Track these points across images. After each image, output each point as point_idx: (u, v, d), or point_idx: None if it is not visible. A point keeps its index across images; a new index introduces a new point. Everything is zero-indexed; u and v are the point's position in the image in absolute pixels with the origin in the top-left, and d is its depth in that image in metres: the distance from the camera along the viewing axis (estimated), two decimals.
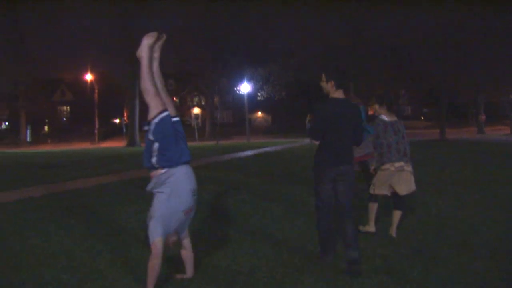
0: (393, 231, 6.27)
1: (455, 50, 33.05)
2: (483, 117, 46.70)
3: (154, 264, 4.25)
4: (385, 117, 6.43)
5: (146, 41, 4.62)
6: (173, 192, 4.38)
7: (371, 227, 6.44)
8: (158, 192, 4.40)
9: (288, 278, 4.68)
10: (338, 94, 5.17)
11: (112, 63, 44.65)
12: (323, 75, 5.25)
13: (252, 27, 46.48)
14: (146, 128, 4.46)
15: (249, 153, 24.07)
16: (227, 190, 10.51)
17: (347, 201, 5.09)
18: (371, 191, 6.50)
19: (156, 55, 4.75)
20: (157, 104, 4.44)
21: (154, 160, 4.39)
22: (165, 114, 4.44)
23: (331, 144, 5.08)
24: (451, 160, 16.70)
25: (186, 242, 4.75)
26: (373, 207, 6.51)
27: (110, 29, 41.00)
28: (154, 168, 4.43)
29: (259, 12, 45.91)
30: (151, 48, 4.63)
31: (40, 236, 6.72)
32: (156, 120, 4.40)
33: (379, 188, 6.38)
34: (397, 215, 6.34)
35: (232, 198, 9.50)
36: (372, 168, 6.79)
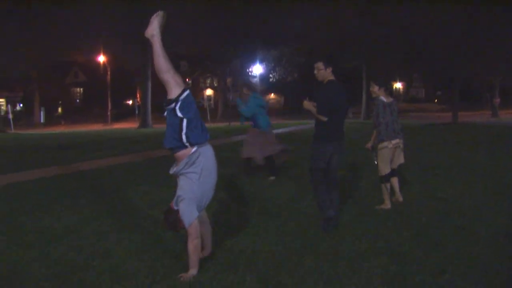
0: (399, 197, 7.16)
1: (469, 32, 32.60)
2: (497, 100, 46.19)
3: (196, 244, 4.41)
4: (383, 98, 6.99)
5: (156, 20, 4.61)
6: (204, 170, 4.45)
7: (387, 205, 6.88)
8: (189, 172, 4.42)
9: (291, 259, 4.76)
10: (333, 78, 5.97)
11: (124, 45, 44.48)
12: (321, 63, 5.99)
13: (264, 9, 46.12)
14: (171, 106, 4.41)
15: None
16: (234, 173, 10.58)
17: (336, 172, 6.03)
18: (382, 173, 6.94)
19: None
20: (179, 82, 4.47)
21: (184, 138, 4.37)
22: (188, 91, 4.48)
23: (332, 121, 5.81)
24: (462, 144, 16.56)
25: (204, 216, 4.81)
26: (386, 186, 6.94)
27: (122, 11, 40.94)
28: (182, 147, 4.41)
29: None
30: (161, 27, 4.64)
31: (50, 216, 6.90)
32: (183, 96, 4.41)
33: (385, 167, 6.93)
34: (395, 181, 7.14)
35: (238, 180, 9.58)
36: (368, 145, 7.43)
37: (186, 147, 4.40)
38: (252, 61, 46.18)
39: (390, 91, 7.53)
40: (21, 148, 19.37)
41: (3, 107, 55.91)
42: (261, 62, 45.26)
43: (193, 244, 4.38)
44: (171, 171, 4.50)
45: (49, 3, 43.68)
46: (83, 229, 6.09)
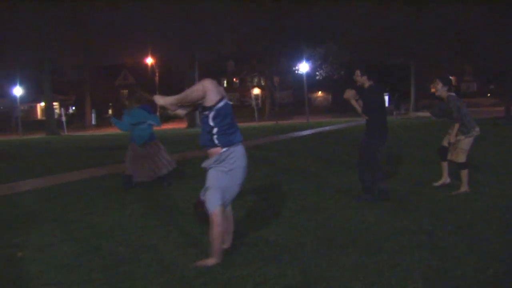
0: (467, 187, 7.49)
1: None
2: None
3: (217, 232, 4.59)
4: (452, 94, 7.56)
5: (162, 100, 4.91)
6: (232, 168, 4.67)
7: (465, 187, 7.44)
8: (218, 168, 4.67)
9: (332, 253, 4.80)
10: (371, 83, 7.19)
11: (172, 47, 45.27)
12: (358, 71, 7.32)
13: (310, 6, 46.04)
14: (205, 113, 4.64)
15: (306, 132, 24.11)
16: (279, 169, 10.68)
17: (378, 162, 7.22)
18: (463, 160, 7.47)
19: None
20: (217, 92, 4.62)
21: (216, 141, 4.64)
22: (225, 101, 4.65)
23: (380, 121, 7.10)
24: None
25: (229, 212, 4.98)
26: (467, 172, 7.47)
27: (169, 13, 41.59)
28: (215, 146, 4.67)
29: None
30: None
31: (100, 212, 7.24)
32: (219, 106, 4.60)
33: (465, 155, 7.50)
34: (464, 174, 7.46)
35: (284, 176, 9.67)
36: (451, 140, 7.60)
37: (218, 146, 4.66)
38: (299, 59, 46.06)
39: (453, 90, 7.86)
40: (73, 149, 19.98)
41: (57, 111, 57.48)
42: (307, 60, 45.12)
43: (214, 232, 4.59)
44: (203, 165, 4.77)
45: (98, 8, 44.81)
46: (131, 225, 6.31)
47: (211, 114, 4.61)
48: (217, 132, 4.63)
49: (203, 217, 4.72)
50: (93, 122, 58.33)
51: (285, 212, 6.60)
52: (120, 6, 45.85)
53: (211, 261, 4.57)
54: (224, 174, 4.67)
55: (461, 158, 7.50)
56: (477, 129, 7.52)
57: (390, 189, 7.30)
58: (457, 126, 7.48)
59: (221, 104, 4.61)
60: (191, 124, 39.96)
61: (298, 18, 45.86)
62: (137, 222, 6.50)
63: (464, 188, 7.44)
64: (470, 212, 6.22)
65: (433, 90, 8.50)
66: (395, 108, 42.86)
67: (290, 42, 46.98)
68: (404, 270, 4.27)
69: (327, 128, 27.41)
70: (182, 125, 43.45)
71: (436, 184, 7.97)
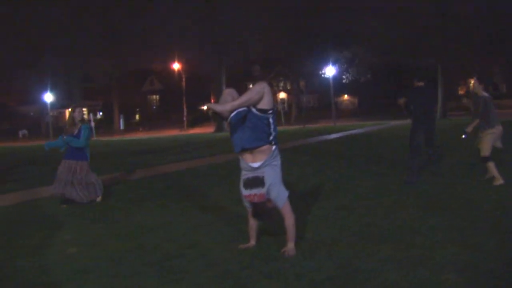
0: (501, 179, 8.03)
1: None
2: None
3: (293, 219, 5.11)
4: (485, 93, 8.32)
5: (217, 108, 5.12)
6: (280, 163, 5.18)
7: (500, 180, 8.01)
8: (273, 164, 5.08)
9: (367, 248, 5.03)
10: (421, 84, 8.99)
11: (198, 51, 45.81)
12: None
13: (335, 9, 46.13)
14: (263, 114, 5.02)
15: (333, 136, 24.25)
16: (310, 171, 10.90)
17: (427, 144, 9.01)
18: (486, 154, 8.16)
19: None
20: (272, 99, 5.10)
21: (271, 138, 5.05)
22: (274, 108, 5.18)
23: (420, 115, 8.74)
24: None
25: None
26: (493, 164, 8.14)
27: (196, 19, 42.10)
28: (268, 144, 5.04)
29: None
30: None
31: (142, 212, 7.60)
32: (271, 111, 5.07)
33: (488, 149, 8.16)
34: (491, 166, 8.14)
35: (316, 178, 9.90)
36: (469, 129, 8.60)
37: (272, 144, 5.04)
38: (325, 63, 46.14)
39: (487, 89, 8.82)
40: (105, 153, 20.42)
41: (86, 116, 58.42)
42: (333, 63, 45.19)
43: (291, 220, 5.07)
44: (255, 165, 5.04)
45: (125, 14, 45.55)
46: (173, 224, 6.63)
47: (271, 115, 5.06)
48: (274, 130, 5.07)
49: (269, 215, 5.16)
50: (121, 127, 59.08)
51: (320, 211, 6.84)
52: (147, 12, 46.55)
53: (292, 245, 5.04)
54: (278, 169, 5.11)
55: (484, 151, 8.19)
56: (499, 127, 8.24)
57: (413, 182, 8.56)
58: (477, 122, 8.33)
59: (274, 108, 5.14)
60: (219, 128, 40.32)
61: (324, 21, 45.91)
62: (178, 221, 6.82)
63: (498, 180, 7.97)
64: (502, 209, 6.37)
65: (461, 92, 9.65)
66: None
67: (316, 45, 47.07)
68: (436, 264, 4.48)
69: (354, 131, 27.49)
70: (209, 129, 43.88)
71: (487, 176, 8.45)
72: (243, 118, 5.02)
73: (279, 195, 5.04)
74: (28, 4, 39.51)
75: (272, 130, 5.06)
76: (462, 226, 5.65)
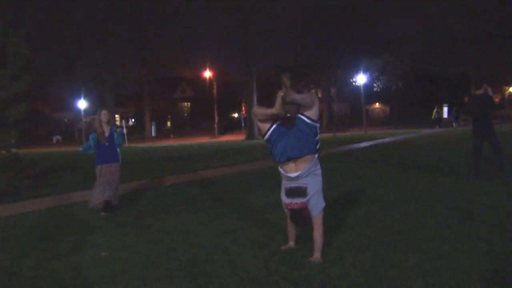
0: None
1: None
2: None
3: (322, 230, 5.25)
4: None
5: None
6: (320, 172, 5.34)
7: None
8: (316, 171, 5.24)
9: (393, 256, 5.07)
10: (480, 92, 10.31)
11: (230, 59, 46.25)
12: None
13: (366, 17, 46.04)
14: (314, 123, 5.18)
15: (364, 144, 24.16)
16: (339, 179, 10.93)
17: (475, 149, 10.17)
18: None
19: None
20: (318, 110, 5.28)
21: (318, 147, 5.23)
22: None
23: (475, 119, 10.16)
24: None
25: None
26: None
27: (227, 26, 42.44)
28: (314, 153, 5.19)
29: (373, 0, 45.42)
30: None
31: (172, 218, 7.76)
32: (319, 121, 5.25)
33: None
34: None
35: (344, 186, 9.93)
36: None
37: (316, 153, 5.23)
38: (356, 71, 45.98)
39: None
40: (136, 160, 20.73)
41: (118, 123, 59.21)
42: (364, 71, 45.00)
43: (320, 231, 5.20)
44: (295, 174, 5.14)
45: (157, 22, 46.20)
46: (203, 229, 6.76)
47: (318, 125, 5.22)
48: (319, 140, 5.24)
49: (306, 222, 5.29)
50: (153, 133, 59.68)
51: (347, 220, 6.88)
52: (179, 20, 47.14)
53: (318, 255, 5.16)
54: (320, 178, 5.29)
55: None
56: None
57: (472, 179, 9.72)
58: None
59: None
60: (250, 136, 40.47)
61: (355, 29, 45.82)
62: (208, 227, 6.95)
63: None
64: None
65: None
66: (454, 120, 42.15)
67: (347, 53, 46.97)
68: (462, 273, 4.50)
69: (384, 140, 27.34)
70: (240, 137, 44.08)
71: None
72: (277, 131, 5.20)
73: (317, 204, 5.19)
74: (62, 11, 40.42)
75: (318, 139, 5.23)
76: (489, 236, 5.63)
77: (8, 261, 5.72)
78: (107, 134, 8.72)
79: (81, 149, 8.89)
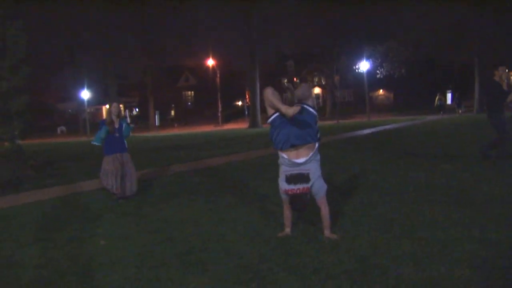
0: None
1: None
2: None
3: (328, 209, 5.56)
4: None
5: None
6: (319, 158, 5.56)
7: None
8: (316, 159, 5.47)
9: (388, 243, 5.14)
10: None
11: (233, 48, 46.22)
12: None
13: (370, 4, 45.81)
14: (314, 112, 5.50)
15: (366, 131, 24.19)
16: (339, 167, 10.99)
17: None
18: None
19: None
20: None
21: (319, 135, 5.49)
22: None
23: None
24: None
25: None
26: None
27: (230, 15, 42.40)
28: (315, 141, 5.44)
29: None
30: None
31: (172, 207, 7.85)
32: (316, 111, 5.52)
33: None
34: None
35: (344, 174, 9.99)
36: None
37: (317, 141, 5.47)
38: (359, 58, 45.90)
39: None
40: (139, 149, 20.82)
41: (122, 112, 59.25)
42: (367, 58, 44.91)
43: (327, 210, 5.52)
44: (301, 161, 5.33)
45: (159, 11, 46.14)
46: (201, 218, 6.84)
47: (317, 115, 5.51)
48: (318, 129, 5.50)
49: (305, 206, 5.46)
50: (157, 123, 59.89)
51: (345, 207, 6.94)
52: (181, 9, 47.07)
53: (329, 231, 5.51)
54: (319, 164, 5.52)
55: None
56: None
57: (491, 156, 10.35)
58: None
59: None
60: (254, 124, 40.54)
61: (358, 16, 45.66)
62: (206, 216, 7.03)
63: None
64: None
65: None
66: (457, 106, 42.11)
67: (350, 40, 46.84)
68: (453, 260, 4.55)
69: (387, 126, 27.37)
70: (244, 125, 44.13)
71: None
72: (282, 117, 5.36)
73: (321, 188, 5.46)
74: (64, 1, 40.42)
75: (318, 128, 5.47)
76: (484, 223, 5.68)
77: (10, 251, 5.82)
78: (116, 125, 9.00)
79: (94, 142, 9.06)
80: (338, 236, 5.42)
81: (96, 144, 8.96)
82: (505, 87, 10.02)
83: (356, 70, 50.31)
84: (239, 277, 4.44)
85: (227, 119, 58.81)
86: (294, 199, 5.38)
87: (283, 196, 5.53)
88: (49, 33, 41.02)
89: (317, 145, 5.45)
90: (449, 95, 52.54)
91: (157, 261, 5.04)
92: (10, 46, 11.95)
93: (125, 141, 9.17)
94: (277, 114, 5.40)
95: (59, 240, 6.14)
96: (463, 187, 7.87)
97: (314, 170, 5.39)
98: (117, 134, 8.95)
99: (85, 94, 47.49)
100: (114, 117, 9.06)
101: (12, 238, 6.48)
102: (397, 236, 5.38)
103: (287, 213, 5.65)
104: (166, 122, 64.63)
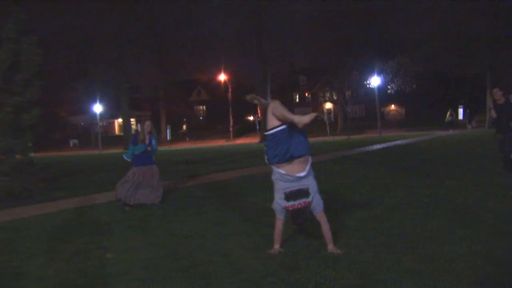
0: None
1: None
2: None
3: (328, 224, 5.57)
4: None
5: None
6: None
7: None
8: (312, 173, 5.56)
9: (391, 259, 5.15)
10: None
11: (245, 63, 46.41)
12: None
13: (380, 19, 45.93)
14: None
15: (376, 147, 24.17)
16: (347, 182, 11.02)
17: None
18: None
19: None
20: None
21: (310, 148, 5.57)
22: None
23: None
24: None
25: None
26: None
27: (243, 30, 42.61)
28: (309, 154, 5.52)
29: (387, 2, 45.28)
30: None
31: (178, 221, 7.94)
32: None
33: None
34: None
35: (351, 189, 10.01)
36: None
37: (309, 154, 5.56)
38: (370, 73, 45.91)
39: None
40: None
41: (134, 126, 59.69)
42: (379, 73, 44.90)
43: (327, 225, 5.55)
44: (302, 174, 5.41)
45: (171, 26, 46.51)
46: (207, 232, 6.90)
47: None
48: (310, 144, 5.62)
49: (305, 220, 5.62)
50: (168, 137, 60.06)
51: (350, 222, 6.97)
52: (194, 23, 47.38)
53: (332, 245, 5.53)
54: (315, 178, 5.60)
55: None
56: None
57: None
58: None
59: None
60: (265, 138, 40.67)
61: (369, 31, 45.75)
62: (213, 230, 7.08)
63: None
64: None
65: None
66: (468, 122, 41.97)
67: (362, 55, 46.87)
68: (457, 276, 4.56)
69: (397, 142, 27.31)
70: (255, 140, 44.23)
71: None
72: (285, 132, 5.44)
73: (319, 202, 5.53)
74: (77, 14, 40.82)
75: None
76: (488, 239, 5.69)
77: (18, 262, 5.90)
78: (147, 141, 9.81)
79: (126, 158, 9.95)
80: (341, 251, 5.44)
81: (128, 159, 9.82)
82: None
83: (368, 85, 50.28)
84: None
85: (239, 134, 58.95)
86: (295, 214, 5.46)
87: (280, 215, 5.61)
88: (62, 45, 41.19)
89: (310, 158, 5.53)
90: (460, 110, 52.37)
91: (161, 274, 5.09)
92: (24, 61, 12.14)
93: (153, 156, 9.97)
94: (280, 128, 5.41)
95: (67, 252, 6.22)
96: (469, 203, 7.88)
97: (313, 185, 5.49)
98: (149, 149, 9.78)
99: (98, 108, 47.77)
100: (146, 134, 9.83)
101: (20, 249, 6.56)
102: (400, 251, 5.40)
103: (278, 229, 5.65)
104: (177, 136, 64.80)
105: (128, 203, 9.35)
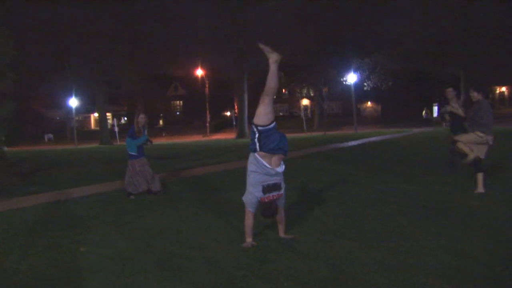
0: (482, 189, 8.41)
1: None
2: None
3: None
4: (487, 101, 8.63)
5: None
6: None
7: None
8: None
9: (363, 253, 5.26)
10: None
11: (222, 58, 46.19)
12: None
13: (357, 17, 46.18)
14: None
15: (351, 143, 24.33)
16: (320, 178, 11.12)
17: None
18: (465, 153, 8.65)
19: None
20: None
21: None
22: None
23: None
24: None
25: None
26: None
27: (220, 25, 42.50)
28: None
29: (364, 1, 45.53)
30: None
31: (153, 215, 7.94)
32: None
33: (465, 146, 8.56)
34: (480, 176, 8.41)
35: (324, 184, 10.12)
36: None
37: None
38: (347, 70, 46.14)
39: (488, 96, 9.29)
40: (126, 158, 20.82)
41: (110, 121, 59.26)
42: (355, 70, 45.18)
43: (283, 214, 5.98)
44: (281, 170, 5.75)
45: (148, 21, 46.23)
46: (182, 227, 6.94)
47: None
48: None
49: (275, 212, 5.75)
50: (145, 132, 59.81)
51: (322, 217, 7.06)
52: (171, 18, 47.15)
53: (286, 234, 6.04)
54: None
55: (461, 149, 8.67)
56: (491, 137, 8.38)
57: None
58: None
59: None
60: (241, 134, 40.68)
61: (346, 28, 45.96)
62: (188, 224, 7.11)
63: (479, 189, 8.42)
64: (501, 220, 6.50)
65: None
66: (441, 119, 42.42)
67: (338, 53, 47.08)
68: (423, 269, 4.69)
69: (373, 138, 27.54)
70: (231, 135, 44.24)
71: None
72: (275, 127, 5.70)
73: (284, 197, 5.95)
74: (53, 9, 40.34)
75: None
76: (456, 234, 5.83)
77: None
78: (142, 134, 10.26)
79: (131, 151, 10.28)
80: (293, 236, 5.99)
81: (134, 153, 10.17)
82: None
83: (344, 82, 50.52)
84: (213, 284, 4.55)
85: (215, 129, 58.89)
86: (267, 206, 5.62)
87: (251, 208, 5.72)
88: (38, 39, 40.67)
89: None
90: (435, 108, 52.96)
91: (135, 267, 5.12)
92: None
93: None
94: (273, 124, 5.64)
95: (40, 247, 6.20)
96: (440, 199, 8.04)
97: (283, 180, 5.82)
98: (151, 141, 10.54)
99: (73, 102, 47.23)
100: (141, 127, 10.22)
101: None
102: (372, 245, 5.51)
103: (250, 222, 5.77)
104: (154, 131, 64.48)
105: (136, 192, 9.82)
